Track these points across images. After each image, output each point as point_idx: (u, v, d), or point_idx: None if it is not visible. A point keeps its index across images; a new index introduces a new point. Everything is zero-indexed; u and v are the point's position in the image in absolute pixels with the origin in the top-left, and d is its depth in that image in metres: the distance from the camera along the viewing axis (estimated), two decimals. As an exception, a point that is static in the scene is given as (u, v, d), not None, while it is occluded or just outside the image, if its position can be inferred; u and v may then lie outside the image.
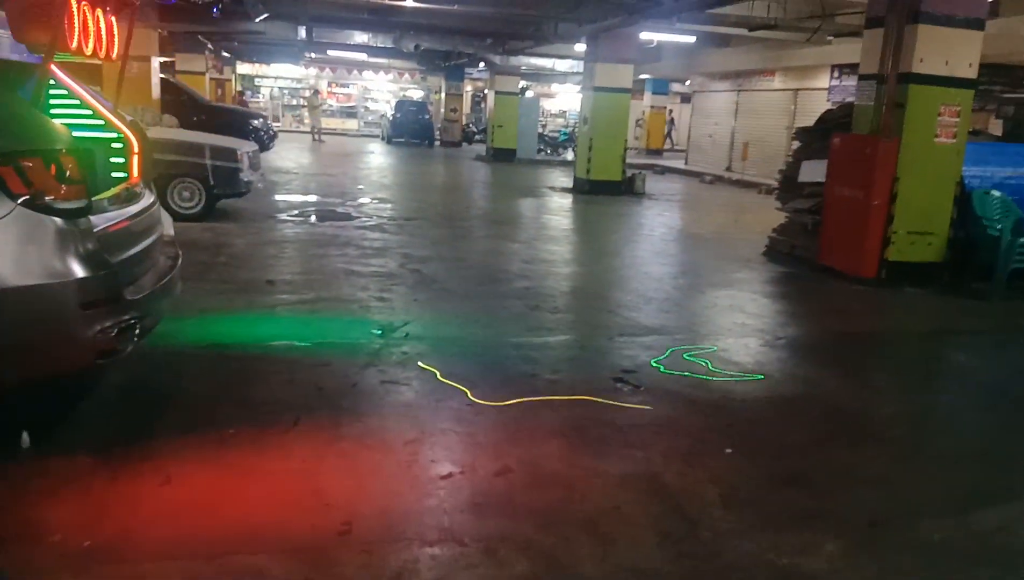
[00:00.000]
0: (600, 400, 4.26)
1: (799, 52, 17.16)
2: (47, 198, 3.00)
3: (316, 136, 27.95)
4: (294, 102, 35.36)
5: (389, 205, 12.22)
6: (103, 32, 3.69)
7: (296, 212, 10.73)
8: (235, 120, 16.62)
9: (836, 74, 17.34)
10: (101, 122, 4.20)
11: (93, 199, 3.27)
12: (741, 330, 5.96)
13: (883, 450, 3.94)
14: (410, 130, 29.26)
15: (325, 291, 6.38)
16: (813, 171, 8.25)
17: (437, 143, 30.21)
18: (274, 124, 22.91)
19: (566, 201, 14.66)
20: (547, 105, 37.03)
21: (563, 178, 18.17)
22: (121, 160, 4.19)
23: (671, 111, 31.24)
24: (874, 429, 4.23)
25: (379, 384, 4.33)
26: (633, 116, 27.80)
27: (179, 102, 14.64)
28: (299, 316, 5.63)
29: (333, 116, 34.77)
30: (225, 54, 26.01)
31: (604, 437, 3.81)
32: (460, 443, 3.66)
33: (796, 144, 9.06)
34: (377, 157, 23.33)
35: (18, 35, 3.22)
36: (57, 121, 3.41)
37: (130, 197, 3.86)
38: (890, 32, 7.47)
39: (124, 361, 3.45)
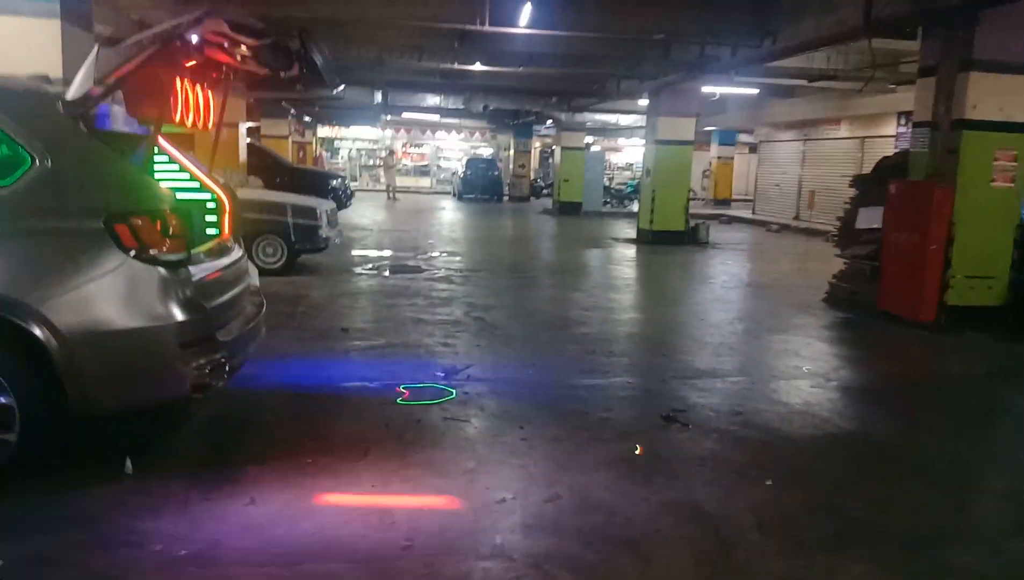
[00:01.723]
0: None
1: (864, 100, 17.18)
2: (153, 251, 3.48)
3: (391, 194, 29.07)
4: (371, 162, 36.80)
5: (457, 258, 12.72)
6: (202, 105, 4.23)
7: (370, 265, 11.31)
8: (315, 180, 17.57)
9: (903, 121, 17.24)
10: (196, 184, 4.74)
11: (191, 252, 3.75)
12: (793, 372, 6.10)
13: (923, 485, 4.04)
14: (480, 186, 30.16)
15: (394, 337, 6.80)
16: (871, 217, 8.35)
17: (506, 198, 30.99)
18: (352, 183, 23.94)
19: (629, 251, 14.92)
20: (613, 159, 37.60)
21: (628, 229, 18.46)
22: (214, 218, 4.71)
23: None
24: (917, 466, 4.33)
25: (441, 421, 4.66)
26: (700, 167, 28.11)
27: (264, 164, 15.61)
28: (370, 360, 6.04)
29: (407, 175, 36.06)
30: (306, 118, 27.45)
31: (649, 468, 4.05)
32: (513, 473, 3.94)
33: (853, 191, 9.16)
34: (448, 213, 24.10)
35: (132, 111, 3.76)
36: (162, 183, 3.93)
37: (222, 251, 4.37)
38: (942, 81, 7.61)
39: (214, 397, 3.89)
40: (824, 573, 3.06)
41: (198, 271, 3.81)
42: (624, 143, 38.31)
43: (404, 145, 37.67)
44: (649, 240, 15.55)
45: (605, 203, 26.86)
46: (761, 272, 13.04)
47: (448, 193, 33.30)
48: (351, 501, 3.54)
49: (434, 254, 12.93)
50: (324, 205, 10.63)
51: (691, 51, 12.20)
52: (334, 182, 18.50)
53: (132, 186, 3.61)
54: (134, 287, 3.43)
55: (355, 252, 12.72)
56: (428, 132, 37.23)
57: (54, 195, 3.41)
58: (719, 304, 9.44)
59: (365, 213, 21.12)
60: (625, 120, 26.28)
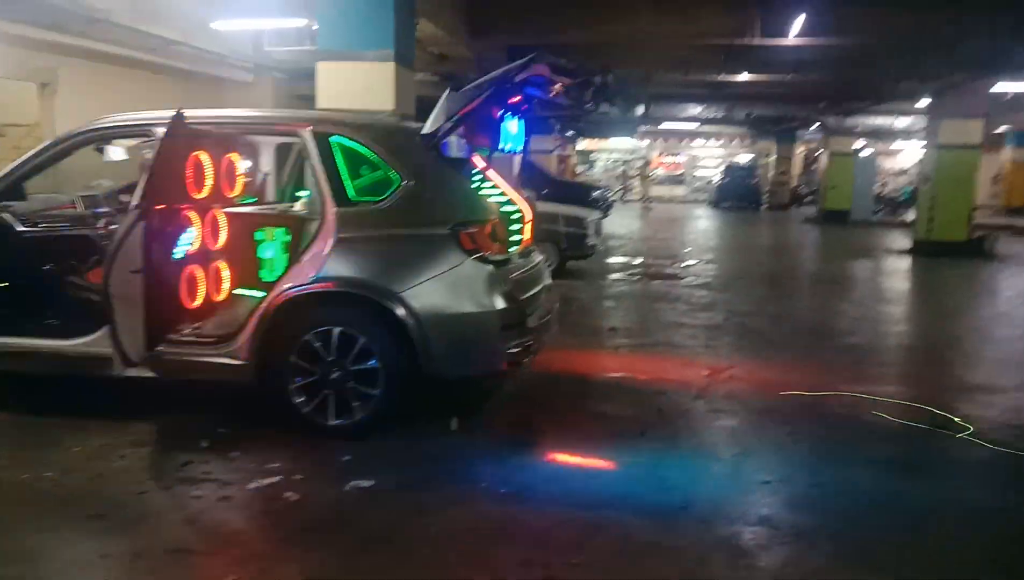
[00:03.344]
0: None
1: None
2: (485, 253, 4.36)
3: (646, 203, 29.67)
4: (626, 173, 37.58)
5: (714, 266, 12.98)
6: (517, 133, 5.10)
7: (630, 271, 11.97)
8: (578, 192, 18.60)
9: None
10: (505, 198, 5.64)
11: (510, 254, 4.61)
12: (1087, 393, 5.77)
13: None
14: (737, 194, 29.79)
15: (659, 337, 7.36)
16: None
17: (764, 206, 30.27)
18: (608, 194, 24.80)
19: (902, 263, 14.18)
20: (886, 163, 35.04)
21: (902, 240, 17.40)
22: (518, 226, 5.58)
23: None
24: None
25: (707, 411, 5.14)
26: (989, 171, 25.50)
27: (532, 178, 16.87)
28: (638, 355, 6.66)
29: (661, 184, 36.39)
30: (568, 133, 28.83)
31: (917, 469, 4.24)
32: (778, 461, 4.33)
33: None
34: (703, 221, 24.18)
35: (471, 141, 4.69)
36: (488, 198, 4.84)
37: (527, 254, 5.21)
38: None
39: (516, 377, 4.70)
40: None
41: (513, 270, 4.65)
42: (899, 146, 35.59)
43: (660, 154, 38.02)
44: (926, 251, 14.60)
45: (876, 212, 25.30)
46: (1059, 288, 11.85)
47: (702, 202, 33.16)
48: (633, 468, 4.16)
49: (691, 262, 13.28)
50: (591, 215, 11.46)
51: (980, 48, 11.42)
52: (595, 193, 19.43)
53: (470, 201, 4.54)
54: (470, 281, 4.32)
55: (616, 259, 13.45)
56: (685, 140, 37.25)
57: (415, 208, 4.40)
58: (1003, 319, 8.88)
59: (622, 222, 21.86)
60: (900, 123, 24.60)
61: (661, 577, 3.07)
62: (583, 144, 35.73)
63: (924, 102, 16.22)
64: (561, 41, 11.65)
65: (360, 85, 7.24)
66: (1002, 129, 24.39)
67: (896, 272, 13.24)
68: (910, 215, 22.18)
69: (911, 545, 3.39)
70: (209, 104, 5.08)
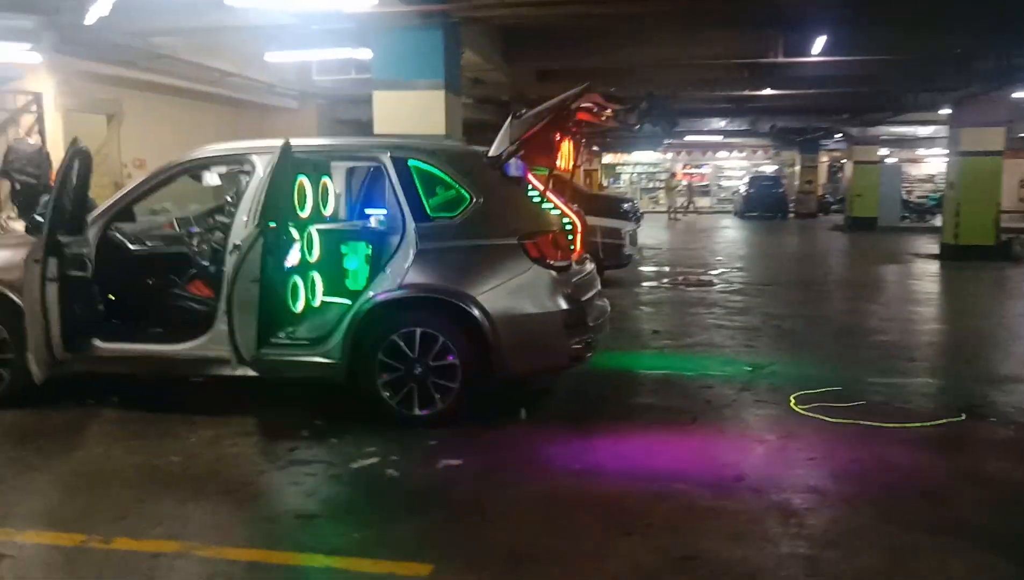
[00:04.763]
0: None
1: None
2: (548, 261, 4.88)
3: (672, 215, 30.10)
4: (650, 185, 38.09)
5: (746, 273, 13.39)
6: (569, 153, 5.64)
7: (665, 279, 12.43)
8: (608, 204, 19.09)
9: None
10: (558, 212, 6.17)
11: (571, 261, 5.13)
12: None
13: None
14: (763, 204, 30.11)
15: (700, 339, 7.82)
16: None
17: (791, 215, 30.57)
18: (639, 206, 25.25)
19: (930, 267, 14.50)
20: (911, 170, 35.20)
21: (929, 245, 17.70)
22: (571, 237, 6.11)
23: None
24: None
25: (753, 402, 5.60)
26: (1015, 176, 25.64)
27: (564, 191, 17.39)
28: (683, 355, 7.12)
29: (686, 195, 36.79)
30: (595, 148, 29.40)
31: (946, 447, 4.67)
32: (821, 441, 4.76)
33: None
34: (731, 231, 24.55)
35: (528, 162, 5.22)
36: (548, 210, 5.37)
37: (581, 262, 5.73)
38: None
39: (573, 374, 5.19)
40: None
41: (573, 275, 5.17)
42: (924, 153, 35.74)
43: (684, 166, 38.46)
44: (954, 256, 14.91)
45: (903, 218, 25.55)
46: (1086, 288, 12.13)
47: (728, 212, 33.53)
48: (690, 448, 4.64)
49: (723, 270, 13.71)
50: (627, 226, 11.96)
51: (993, 62, 11.82)
52: (625, 205, 19.91)
53: (534, 214, 5.07)
54: (536, 285, 4.85)
55: (649, 268, 13.92)
56: (708, 152, 37.67)
57: (485, 222, 4.95)
58: (1030, 318, 9.23)
59: (651, 233, 22.30)
60: (923, 131, 24.83)
61: (723, 533, 3.54)
62: (608, 158, 36.32)
63: (945, 111, 16.56)
64: (587, 65, 12.20)
65: (413, 112, 7.85)
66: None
67: (924, 275, 13.57)
68: (938, 220, 22.42)
69: (934, 505, 3.83)
70: (256, 130, 5.62)
